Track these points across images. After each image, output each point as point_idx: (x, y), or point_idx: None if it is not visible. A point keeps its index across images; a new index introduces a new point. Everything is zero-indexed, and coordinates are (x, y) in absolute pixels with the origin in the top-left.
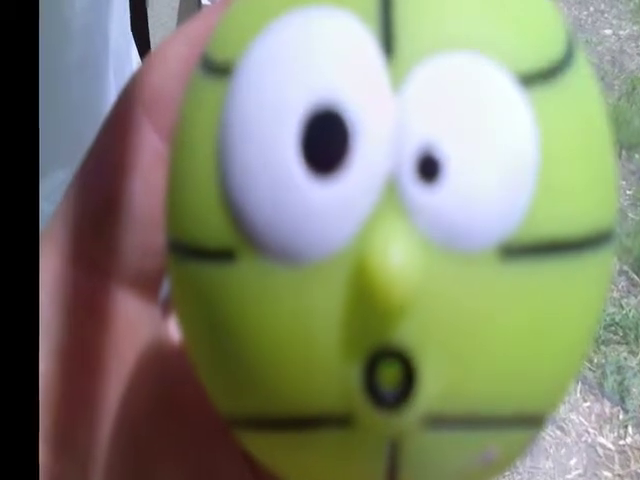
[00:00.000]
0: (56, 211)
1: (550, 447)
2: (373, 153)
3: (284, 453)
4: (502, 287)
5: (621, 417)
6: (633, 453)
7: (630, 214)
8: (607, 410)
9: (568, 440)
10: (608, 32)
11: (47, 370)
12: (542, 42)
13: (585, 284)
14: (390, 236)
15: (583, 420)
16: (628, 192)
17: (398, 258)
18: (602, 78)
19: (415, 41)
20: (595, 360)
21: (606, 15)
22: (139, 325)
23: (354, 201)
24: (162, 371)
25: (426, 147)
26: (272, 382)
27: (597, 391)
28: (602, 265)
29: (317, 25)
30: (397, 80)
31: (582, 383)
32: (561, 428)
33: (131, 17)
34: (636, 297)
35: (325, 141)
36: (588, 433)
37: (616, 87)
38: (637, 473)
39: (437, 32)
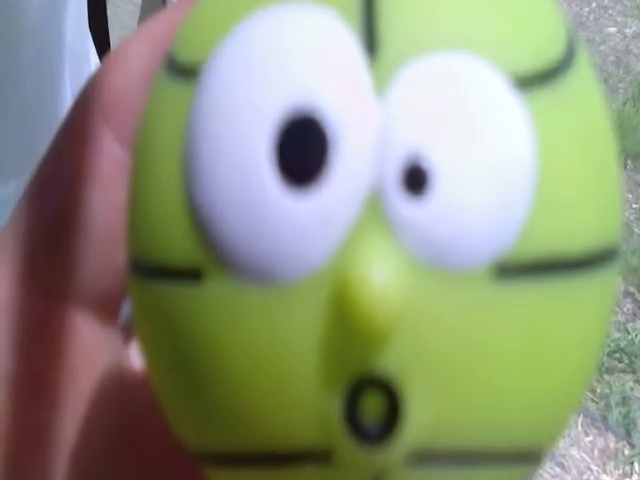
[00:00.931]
0: (6, 226)
1: None
2: (355, 163)
3: None
4: (495, 310)
5: (626, 452)
6: None
7: (636, 229)
8: (611, 445)
9: (568, 478)
10: (612, 30)
11: None
12: (540, 41)
13: (587, 306)
14: (373, 254)
15: (585, 456)
16: (634, 205)
17: (381, 278)
18: (606, 80)
19: (401, 40)
20: (598, 390)
21: (610, 11)
22: (97, 351)
23: (334, 216)
24: (122, 401)
25: (413, 156)
26: (244, 414)
27: (600, 424)
28: (606, 286)
29: (293, 22)
30: (381, 82)
31: (584, 415)
32: (561, 465)
33: (89, 14)
34: None
35: (302, 150)
36: (590, 470)
37: (621, 90)
38: None
39: (424, 30)
